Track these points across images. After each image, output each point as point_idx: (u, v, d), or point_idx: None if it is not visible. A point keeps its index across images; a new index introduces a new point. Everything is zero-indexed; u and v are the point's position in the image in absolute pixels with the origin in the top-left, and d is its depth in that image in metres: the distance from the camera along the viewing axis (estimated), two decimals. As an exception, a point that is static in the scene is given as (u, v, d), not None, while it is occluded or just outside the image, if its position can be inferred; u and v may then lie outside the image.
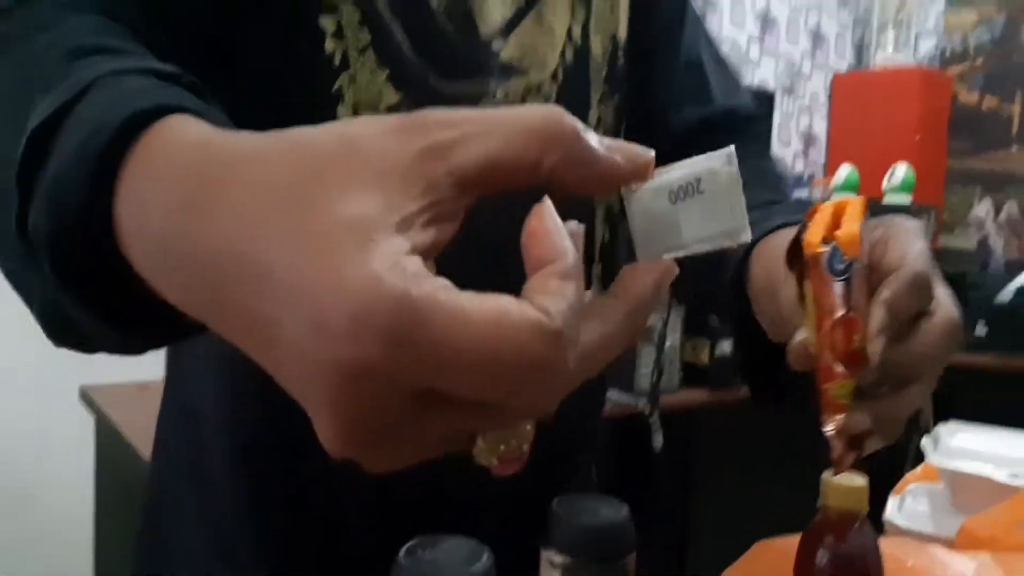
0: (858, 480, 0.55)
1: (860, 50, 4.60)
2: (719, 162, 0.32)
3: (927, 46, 4.47)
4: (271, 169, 0.28)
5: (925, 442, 1.02)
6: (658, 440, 1.88)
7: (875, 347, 0.44)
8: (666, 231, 0.33)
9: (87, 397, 1.67)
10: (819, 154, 4.44)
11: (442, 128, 0.28)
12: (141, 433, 1.41)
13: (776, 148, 4.20)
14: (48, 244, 0.33)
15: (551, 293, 0.28)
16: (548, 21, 0.66)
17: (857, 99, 4.32)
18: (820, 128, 4.45)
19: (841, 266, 0.45)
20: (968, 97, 4.34)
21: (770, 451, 1.95)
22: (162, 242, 0.30)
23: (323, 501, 0.63)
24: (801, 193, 3.91)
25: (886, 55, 4.39)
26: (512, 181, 0.30)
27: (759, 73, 4.11)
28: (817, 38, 4.38)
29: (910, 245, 0.47)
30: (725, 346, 2.05)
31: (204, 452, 0.65)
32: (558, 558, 0.53)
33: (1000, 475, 0.91)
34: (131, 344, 0.37)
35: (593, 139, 0.31)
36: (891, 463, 1.03)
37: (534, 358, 0.26)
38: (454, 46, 0.61)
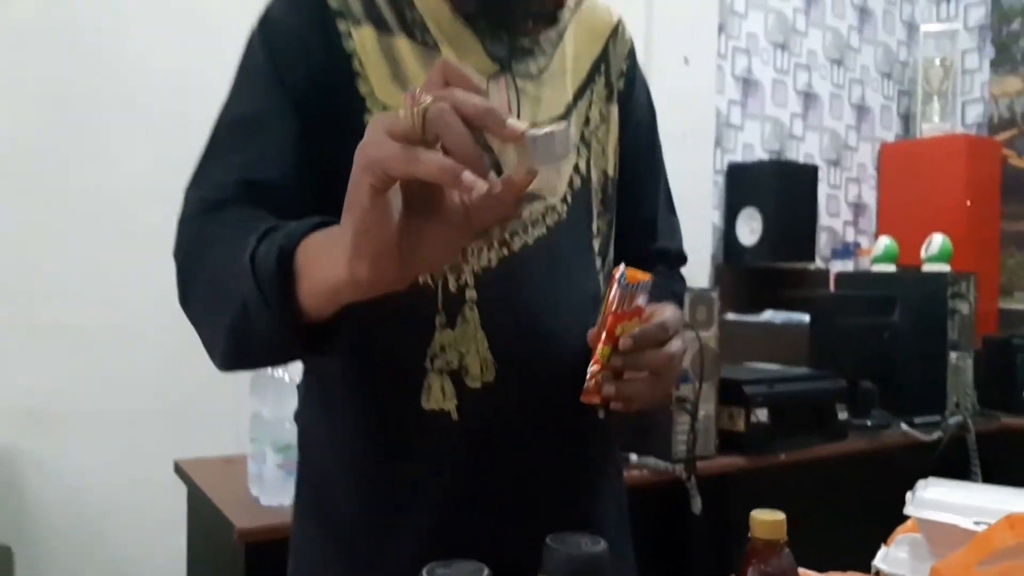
0: (778, 515, 0.73)
1: (907, 120, 4.71)
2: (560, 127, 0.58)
3: (974, 114, 4.56)
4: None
5: (908, 496, 1.15)
6: (697, 504, 2.00)
7: (626, 340, 0.78)
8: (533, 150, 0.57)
9: (180, 470, 1.88)
10: (869, 223, 4.53)
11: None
12: (228, 500, 1.61)
13: (825, 219, 4.30)
14: (270, 293, 0.65)
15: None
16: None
17: (906, 168, 4.42)
18: (869, 197, 4.55)
19: (624, 283, 0.78)
20: (1019, 162, 4.40)
21: (804, 513, 2.05)
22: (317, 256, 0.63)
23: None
24: (848, 262, 4.01)
25: (932, 124, 4.49)
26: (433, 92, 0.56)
27: (803, 148, 4.26)
28: (862, 111, 4.51)
29: (666, 309, 0.83)
30: (760, 414, 2.17)
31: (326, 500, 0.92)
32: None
33: (966, 523, 1.04)
34: (293, 350, 0.70)
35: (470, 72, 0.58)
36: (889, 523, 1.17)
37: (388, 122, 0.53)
38: None
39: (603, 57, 1.00)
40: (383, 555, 0.87)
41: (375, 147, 0.51)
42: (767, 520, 0.73)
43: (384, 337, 0.85)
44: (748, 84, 4.03)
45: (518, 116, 0.89)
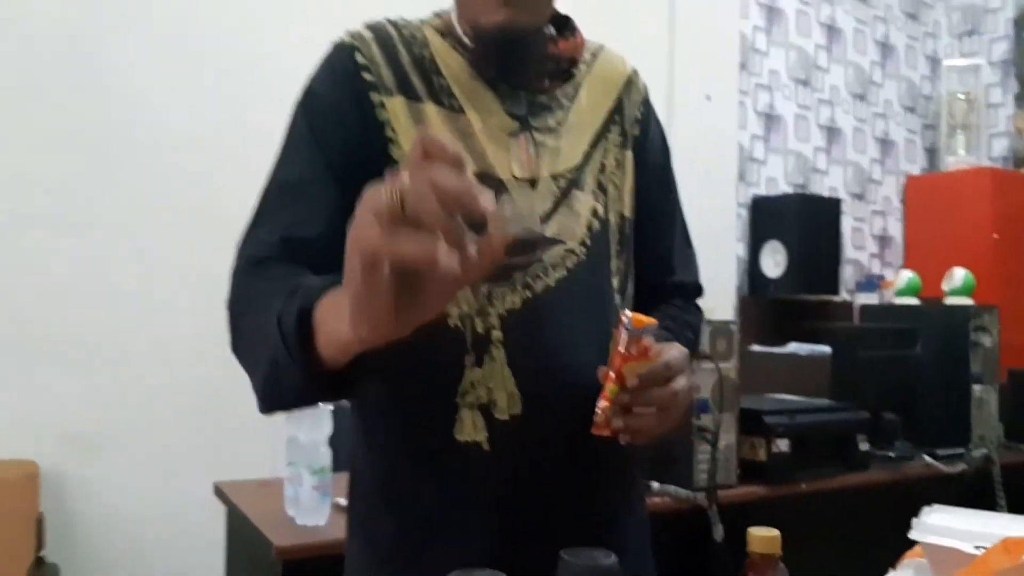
0: (772, 532, 0.79)
1: (931, 154, 4.74)
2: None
3: (1000, 147, 4.58)
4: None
5: (913, 521, 1.20)
6: (718, 532, 2.04)
7: (632, 379, 0.87)
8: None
9: (219, 491, 1.97)
10: (896, 255, 4.55)
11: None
12: (266, 520, 1.69)
13: (850, 251, 4.33)
14: (293, 349, 0.74)
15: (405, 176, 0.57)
16: (575, 208, 1.01)
17: (932, 201, 4.45)
18: (895, 230, 4.58)
19: (631, 328, 0.87)
20: (1045, 195, 4.40)
21: (825, 541, 2.08)
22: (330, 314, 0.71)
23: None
24: (873, 295, 4.03)
25: (958, 157, 4.52)
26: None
27: (827, 181, 4.30)
28: (886, 144, 4.55)
29: (671, 348, 0.90)
30: (781, 444, 2.21)
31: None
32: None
33: (967, 547, 1.09)
34: (318, 395, 0.82)
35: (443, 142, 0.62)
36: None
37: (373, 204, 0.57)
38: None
39: (617, 107, 1.08)
40: (420, 571, 0.94)
41: (362, 228, 0.57)
42: (763, 536, 0.79)
43: (418, 376, 0.93)
44: (771, 119, 4.10)
45: (537, 166, 0.98)
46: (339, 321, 0.66)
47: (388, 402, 0.96)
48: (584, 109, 1.05)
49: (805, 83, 4.23)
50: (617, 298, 1.03)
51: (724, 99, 3.84)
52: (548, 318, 0.95)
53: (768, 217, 3.93)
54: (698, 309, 1.22)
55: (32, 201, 2.48)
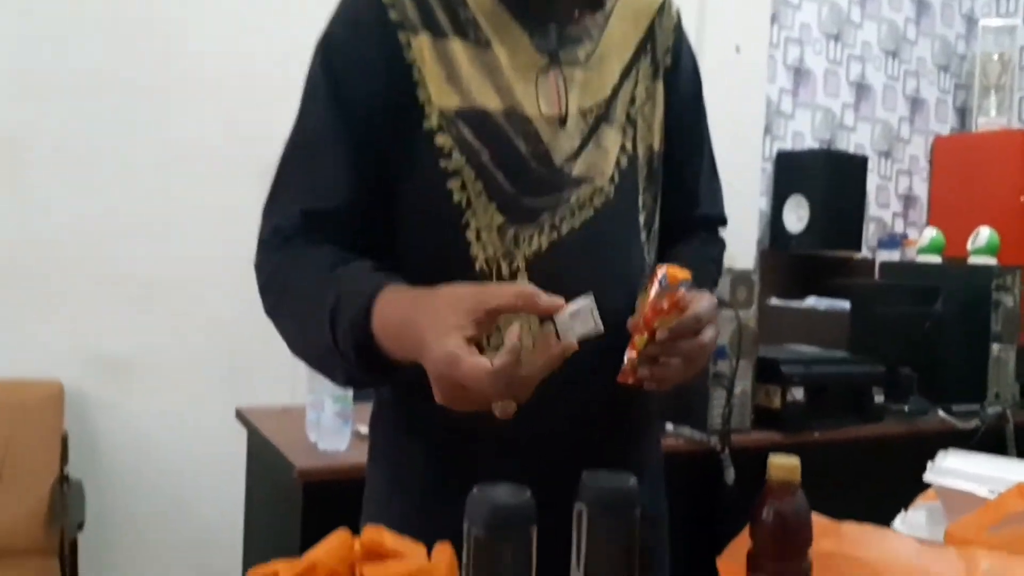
0: (792, 459, 0.80)
1: (962, 114, 4.67)
2: (586, 303, 0.78)
3: (1031, 111, 4.51)
4: (427, 306, 0.80)
5: (928, 464, 1.21)
6: (730, 475, 2.07)
7: (662, 332, 0.88)
8: (569, 329, 0.78)
9: (242, 416, 2.01)
10: (920, 215, 4.51)
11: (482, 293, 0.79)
12: (287, 444, 1.72)
13: (874, 209, 4.30)
14: (351, 343, 0.84)
15: (501, 353, 0.74)
16: (604, 145, 1.00)
17: (960, 162, 4.39)
18: (920, 190, 4.53)
19: (665, 284, 0.88)
20: (1076, 159, 4.33)
21: (837, 490, 2.10)
22: (392, 327, 0.82)
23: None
24: (894, 252, 4.02)
25: (989, 119, 4.45)
26: (507, 313, 0.78)
27: (854, 138, 4.25)
28: (916, 103, 4.49)
29: (703, 300, 0.91)
30: (796, 392, 2.23)
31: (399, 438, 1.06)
32: (581, 507, 0.78)
33: (981, 491, 1.10)
34: (373, 381, 0.95)
35: (540, 295, 0.77)
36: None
37: (480, 384, 0.74)
38: (539, 175, 0.96)
39: (649, 35, 1.06)
40: (444, 498, 0.96)
41: (471, 394, 0.77)
42: (783, 463, 0.80)
43: None
44: (800, 73, 4.04)
45: (566, 103, 0.97)
46: (409, 350, 0.80)
47: None
48: (614, 39, 1.03)
49: (836, 38, 4.15)
50: (643, 235, 1.03)
51: (753, 51, 3.79)
52: (573, 261, 0.95)
53: (793, 172, 3.89)
54: (721, 240, 1.21)
55: (67, 136, 2.50)
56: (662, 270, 0.88)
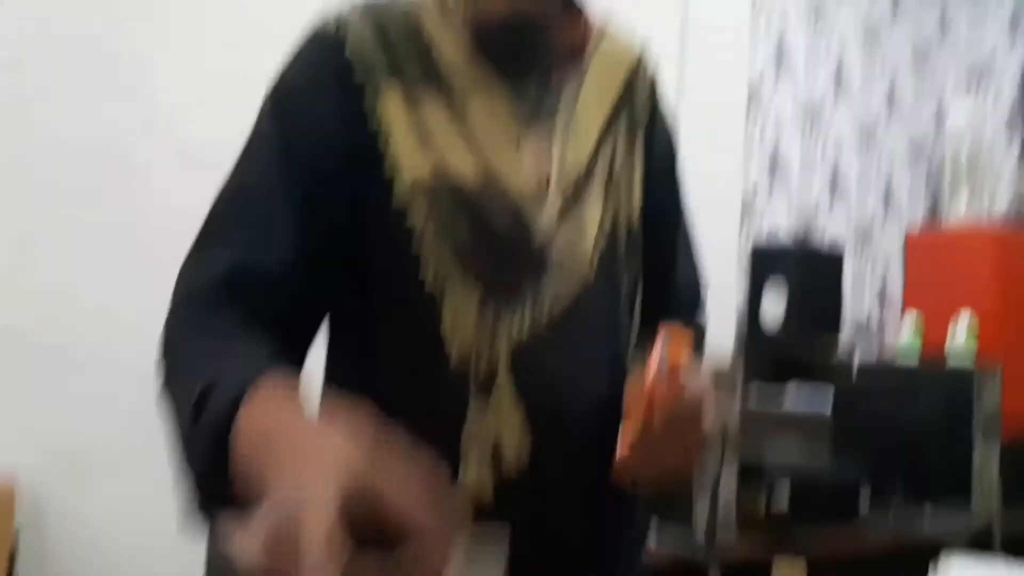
0: (797, 566, 0.73)
1: (935, 202, 4.69)
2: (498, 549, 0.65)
3: (1003, 202, 4.56)
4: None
5: (930, 565, 1.17)
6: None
7: (661, 420, 0.78)
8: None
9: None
10: (894, 310, 4.49)
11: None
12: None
13: (849, 303, 4.26)
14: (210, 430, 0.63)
15: None
16: (584, 217, 0.92)
17: (932, 258, 4.35)
18: (895, 286, 4.50)
19: (665, 365, 0.79)
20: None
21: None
22: (258, 440, 0.59)
23: None
24: (871, 350, 4.00)
25: (959, 213, 4.49)
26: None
27: (830, 227, 4.25)
28: (888, 193, 4.53)
29: (702, 379, 0.82)
30: (781, 500, 2.17)
31: None
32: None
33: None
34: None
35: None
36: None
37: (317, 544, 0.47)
38: (518, 254, 0.87)
39: (627, 90, 1.00)
40: None
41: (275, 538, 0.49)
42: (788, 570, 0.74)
43: (417, 425, 0.86)
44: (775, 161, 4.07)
45: (548, 172, 0.91)
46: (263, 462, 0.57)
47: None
48: (591, 97, 0.96)
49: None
50: (626, 314, 0.96)
51: (731, 144, 3.83)
52: (558, 349, 0.87)
53: (768, 265, 3.87)
54: (704, 318, 1.13)
55: (28, 210, 2.42)
56: (659, 349, 0.80)
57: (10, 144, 2.40)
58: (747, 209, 3.97)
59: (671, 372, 0.79)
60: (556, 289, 0.88)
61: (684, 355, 0.81)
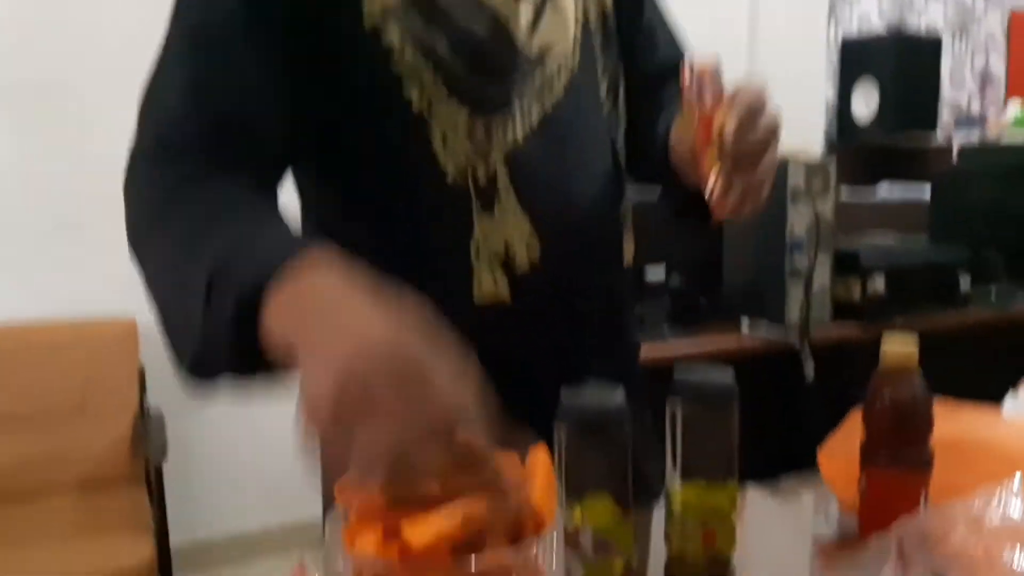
0: (910, 340, 0.73)
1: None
2: None
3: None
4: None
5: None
6: (809, 369, 2.01)
7: (729, 125, 0.73)
8: None
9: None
10: (997, 93, 4.26)
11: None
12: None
13: (947, 90, 4.06)
14: (233, 317, 0.58)
15: None
16: (560, 8, 0.87)
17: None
18: (998, 67, 4.27)
19: (698, 80, 0.76)
20: None
21: (926, 379, 2.03)
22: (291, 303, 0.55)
23: None
24: (973, 133, 3.81)
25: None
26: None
27: (925, 19, 3.99)
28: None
29: (754, 87, 0.77)
30: (877, 283, 2.14)
31: None
32: (675, 403, 0.74)
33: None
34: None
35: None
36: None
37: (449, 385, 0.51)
38: (501, 57, 0.83)
39: None
40: None
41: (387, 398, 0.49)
42: (900, 347, 0.73)
43: (425, 239, 0.83)
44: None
45: None
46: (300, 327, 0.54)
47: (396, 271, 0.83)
48: None
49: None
50: (607, 106, 0.93)
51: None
52: (553, 150, 0.85)
53: (860, 59, 3.67)
54: None
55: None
56: (687, 72, 0.76)
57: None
58: (835, 3, 3.74)
59: (714, 96, 0.76)
60: (543, 88, 0.86)
61: (712, 64, 0.77)
